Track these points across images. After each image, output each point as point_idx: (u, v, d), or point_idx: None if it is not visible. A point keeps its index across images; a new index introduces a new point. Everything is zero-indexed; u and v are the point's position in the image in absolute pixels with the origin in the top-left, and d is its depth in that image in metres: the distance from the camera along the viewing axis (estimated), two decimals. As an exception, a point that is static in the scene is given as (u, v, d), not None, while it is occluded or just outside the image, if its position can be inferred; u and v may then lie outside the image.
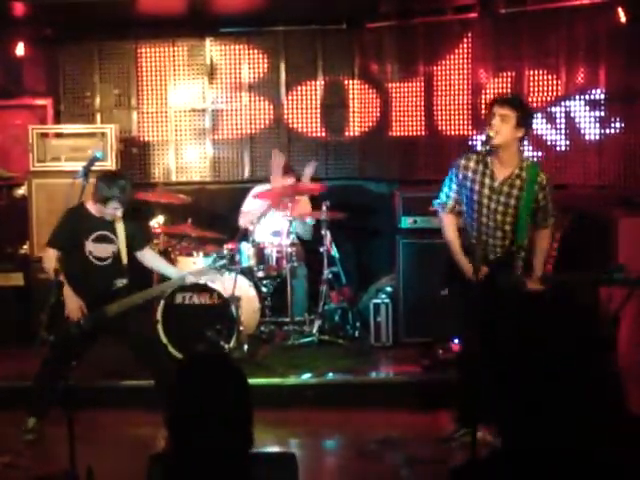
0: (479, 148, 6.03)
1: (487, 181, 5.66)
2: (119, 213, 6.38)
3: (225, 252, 7.66)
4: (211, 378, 2.61)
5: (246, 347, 7.51)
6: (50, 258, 6.28)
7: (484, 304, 5.46)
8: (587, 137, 7.84)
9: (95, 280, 6.40)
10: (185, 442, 2.54)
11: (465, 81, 8.65)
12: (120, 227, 6.46)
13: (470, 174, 5.74)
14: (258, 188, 8.66)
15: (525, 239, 5.75)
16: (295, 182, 8.50)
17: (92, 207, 6.42)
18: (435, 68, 8.82)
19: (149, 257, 6.73)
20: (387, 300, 7.93)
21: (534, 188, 5.63)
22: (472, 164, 5.74)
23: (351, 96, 9.48)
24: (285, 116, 9.49)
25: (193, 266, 7.86)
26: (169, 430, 2.58)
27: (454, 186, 5.84)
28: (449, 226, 5.94)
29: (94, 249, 6.40)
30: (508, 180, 5.64)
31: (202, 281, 7.19)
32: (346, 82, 9.47)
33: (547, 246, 5.95)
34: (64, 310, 6.24)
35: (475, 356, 5.94)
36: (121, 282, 6.46)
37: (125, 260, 6.50)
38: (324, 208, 8.06)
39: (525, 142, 6.82)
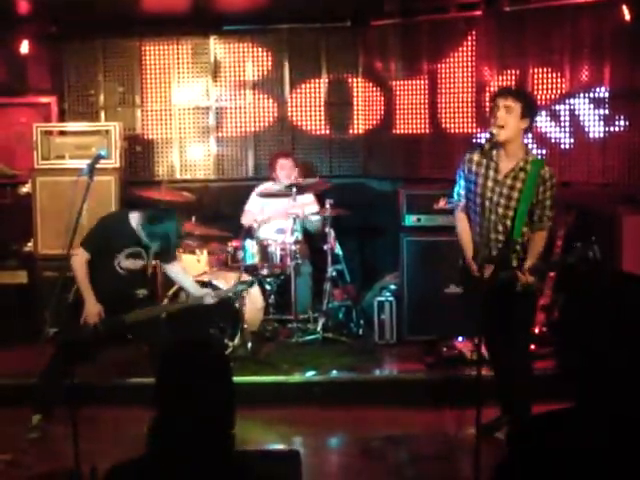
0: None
1: (491, 174, 5.63)
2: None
3: (247, 278, 7.60)
4: (192, 361, 2.62)
5: (250, 345, 7.52)
6: (81, 261, 6.29)
7: (490, 302, 5.49)
8: (591, 135, 7.82)
9: (118, 288, 6.44)
10: (169, 425, 2.55)
11: (469, 79, 8.64)
12: (155, 244, 6.50)
13: (474, 167, 5.72)
14: (262, 186, 8.67)
15: (521, 233, 5.59)
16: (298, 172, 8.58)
17: (135, 221, 6.43)
18: (439, 66, 8.81)
19: (175, 271, 6.81)
20: (391, 298, 7.93)
21: (536, 181, 5.53)
22: (477, 157, 5.72)
23: (355, 94, 9.48)
24: (289, 114, 9.49)
25: (197, 265, 7.89)
26: (156, 412, 2.59)
27: (462, 182, 5.82)
28: (461, 225, 5.90)
29: (123, 262, 6.44)
30: (512, 172, 5.59)
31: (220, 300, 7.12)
32: (350, 80, 9.47)
33: (540, 249, 5.68)
34: (79, 311, 6.28)
35: (497, 353, 5.93)
36: (142, 292, 6.53)
37: (149, 271, 6.58)
38: (328, 206, 8.06)
39: (529, 139, 6.81)
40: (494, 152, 5.65)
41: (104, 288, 6.33)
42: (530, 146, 7.64)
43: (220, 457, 2.54)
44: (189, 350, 2.68)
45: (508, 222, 5.62)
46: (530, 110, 5.63)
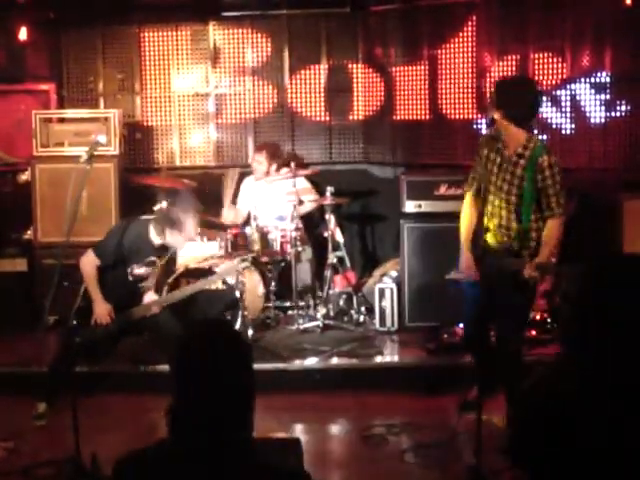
0: (484, 131, 6.01)
1: (498, 159, 5.63)
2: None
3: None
4: (213, 342, 2.50)
5: (250, 332, 7.50)
6: (90, 263, 6.36)
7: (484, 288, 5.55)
8: (592, 120, 7.80)
9: (125, 290, 6.52)
10: (186, 411, 2.44)
11: (470, 64, 8.59)
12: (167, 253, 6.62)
13: (485, 152, 5.72)
14: (246, 182, 8.70)
15: (529, 223, 5.53)
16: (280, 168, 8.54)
17: (155, 235, 6.48)
18: (440, 51, 8.76)
19: None
20: (392, 285, 7.92)
21: (534, 169, 5.47)
22: (487, 142, 5.75)
23: (355, 80, 9.44)
24: (289, 100, 9.45)
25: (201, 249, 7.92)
26: (173, 397, 2.48)
27: (478, 168, 5.83)
28: (464, 210, 5.90)
29: (137, 269, 6.51)
30: (512, 158, 5.55)
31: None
32: (350, 66, 9.43)
33: (553, 237, 5.52)
34: (90, 311, 6.34)
35: (475, 338, 5.99)
36: (146, 286, 6.53)
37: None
38: (328, 193, 8.03)
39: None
40: (501, 137, 5.64)
41: (112, 291, 6.42)
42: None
43: (239, 450, 2.42)
44: (208, 330, 2.56)
45: (511, 208, 5.58)
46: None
